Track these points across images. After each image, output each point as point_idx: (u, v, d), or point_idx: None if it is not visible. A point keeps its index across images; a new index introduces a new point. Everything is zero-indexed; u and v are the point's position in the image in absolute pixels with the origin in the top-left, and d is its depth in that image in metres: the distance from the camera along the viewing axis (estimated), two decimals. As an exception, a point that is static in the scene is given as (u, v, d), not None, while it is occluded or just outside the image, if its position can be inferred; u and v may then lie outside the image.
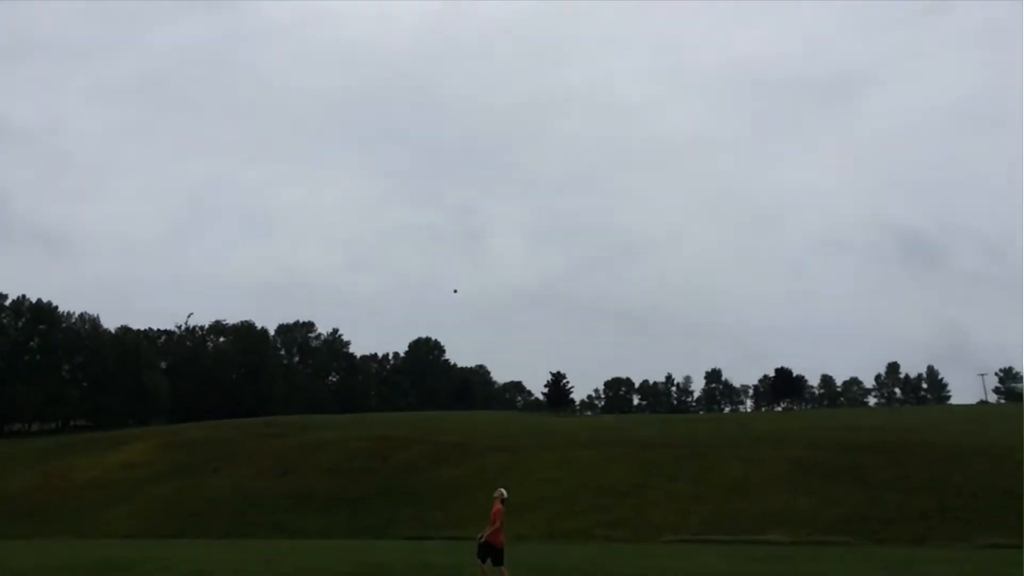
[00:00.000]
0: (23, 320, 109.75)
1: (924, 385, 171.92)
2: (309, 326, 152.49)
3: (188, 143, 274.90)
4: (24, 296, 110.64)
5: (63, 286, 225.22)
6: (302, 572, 19.77)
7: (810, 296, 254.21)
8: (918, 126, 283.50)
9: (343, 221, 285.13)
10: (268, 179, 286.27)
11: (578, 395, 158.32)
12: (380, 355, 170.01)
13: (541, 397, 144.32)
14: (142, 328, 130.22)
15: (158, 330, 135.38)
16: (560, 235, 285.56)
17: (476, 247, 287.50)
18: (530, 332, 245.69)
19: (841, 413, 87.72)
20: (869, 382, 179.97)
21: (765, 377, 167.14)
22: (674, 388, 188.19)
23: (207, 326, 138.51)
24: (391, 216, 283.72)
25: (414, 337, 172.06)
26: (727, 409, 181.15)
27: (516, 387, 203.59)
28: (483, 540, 15.63)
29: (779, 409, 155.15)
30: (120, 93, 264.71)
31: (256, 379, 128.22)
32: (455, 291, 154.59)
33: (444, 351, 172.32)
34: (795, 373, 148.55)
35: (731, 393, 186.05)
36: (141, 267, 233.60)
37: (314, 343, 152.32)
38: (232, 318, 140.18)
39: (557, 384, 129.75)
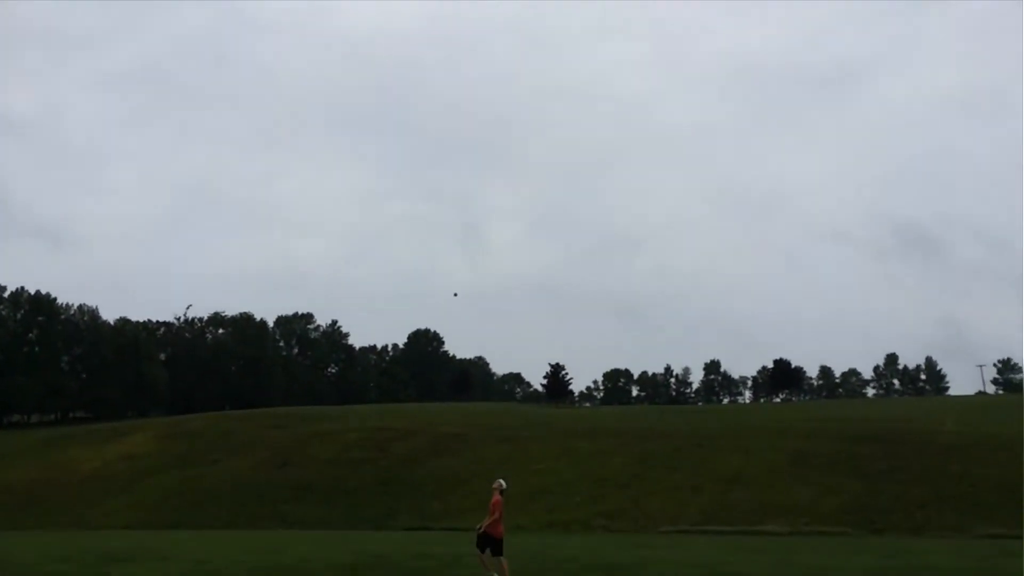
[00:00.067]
0: (22, 312, 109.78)
1: (923, 376, 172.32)
2: (308, 318, 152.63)
3: (187, 134, 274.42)
4: (23, 288, 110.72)
5: (61, 278, 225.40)
6: (302, 563, 19.82)
7: (809, 287, 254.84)
8: (917, 117, 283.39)
9: (342, 213, 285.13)
10: (267, 170, 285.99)
11: (577, 386, 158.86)
12: (379, 347, 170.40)
13: (540, 389, 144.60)
14: (141, 320, 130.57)
15: (157, 322, 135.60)
16: (559, 226, 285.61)
17: (475, 238, 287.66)
18: (529, 324, 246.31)
19: (839, 404, 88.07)
20: (868, 373, 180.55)
21: (764, 368, 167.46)
22: (673, 380, 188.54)
23: (206, 318, 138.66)
24: (390, 207, 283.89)
25: (413, 329, 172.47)
26: (726, 400, 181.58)
27: (515, 379, 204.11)
28: (482, 530, 15.68)
29: (778, 400, 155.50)
30: (119, 84, 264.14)
31: (255, 371, 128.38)
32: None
33: (443, 343, 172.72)
34: (794, 364, 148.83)
35: (730, 384, 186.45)
36: (140, 259, 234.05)
37: (313, 335, 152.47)
38: (231, 310, 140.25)
39: (556, 375, 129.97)
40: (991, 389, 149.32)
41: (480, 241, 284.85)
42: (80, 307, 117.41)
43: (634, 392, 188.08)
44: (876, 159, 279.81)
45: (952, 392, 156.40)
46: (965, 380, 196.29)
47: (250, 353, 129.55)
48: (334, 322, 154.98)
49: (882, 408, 69.55)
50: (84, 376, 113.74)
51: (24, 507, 48.88)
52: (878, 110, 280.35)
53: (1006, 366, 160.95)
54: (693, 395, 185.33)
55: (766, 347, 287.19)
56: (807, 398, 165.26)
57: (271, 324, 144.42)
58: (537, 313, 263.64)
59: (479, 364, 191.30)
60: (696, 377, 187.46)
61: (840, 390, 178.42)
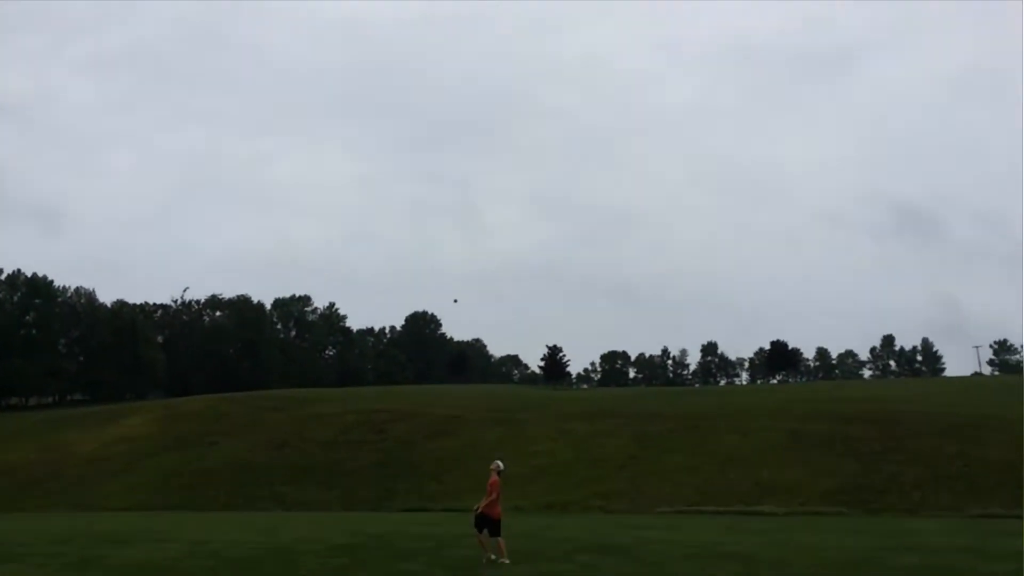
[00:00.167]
0: (19, 294, 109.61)
1: (919, 357, 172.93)
2: (306, 300, 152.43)
3: (183, 116, 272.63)
4: (19, 270, 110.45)
5: (57, 260, 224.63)
6: (300, 543, 19.88)
7: (806, 269, 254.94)
8: (916, 98, 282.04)
9: (339, 195, 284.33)
10: (264, 153, 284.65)
11: (574, 368, 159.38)
12: (377, 329, 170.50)
13: (537, 370, 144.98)
14: (138, 302, 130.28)
15: (154, 304, 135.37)
16: (557, 208, 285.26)
17: (473, 220, 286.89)
18: (527, 306, 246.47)
19: (836, 385, 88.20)
20: (864, 355, 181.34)
21: (761, 350, 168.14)
22: (670, 361, 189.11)
23: (203, 300, 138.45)
24: (387, 190, 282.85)
25: (411, 311, 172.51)
26: (723, 382, 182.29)
27: (513, 360, 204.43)
28: (480, 511, 15.73)
29: (774, 382, 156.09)
30: (114, 65, 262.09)
31: (253, 353, 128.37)
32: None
33: (441, 325, 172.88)
34: (790, 346, 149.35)
35: (727, 366, 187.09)
36: (136, 241, 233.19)
37: (311, 317, 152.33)
38: (228, 292, 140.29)
39: (553, 357, 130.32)
40: (987, 370, 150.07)
41: (478, 223, 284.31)
42: (77, 290, 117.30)
43: (631, 374, 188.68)
44: (874, 140, 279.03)
45: (948, 373, 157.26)
46: (961, 361, 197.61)
47: (248, 336, 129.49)
48: (332, 304, 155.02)
49: (878, 389, 69.73)
50: (82, 359, 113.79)
51: (22, 489, 48.98)
52: (877, 91, 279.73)
53: (1002, 347, 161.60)
54: (690, 377, 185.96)
55: (763, 329, 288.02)
56: (804, 379, 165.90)
57: (269, 306, 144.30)
58: (535, 295, 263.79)
59: (477, 346, 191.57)
60: (693, 359, 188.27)
61: (837, 371, 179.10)
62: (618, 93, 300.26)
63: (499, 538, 15.67)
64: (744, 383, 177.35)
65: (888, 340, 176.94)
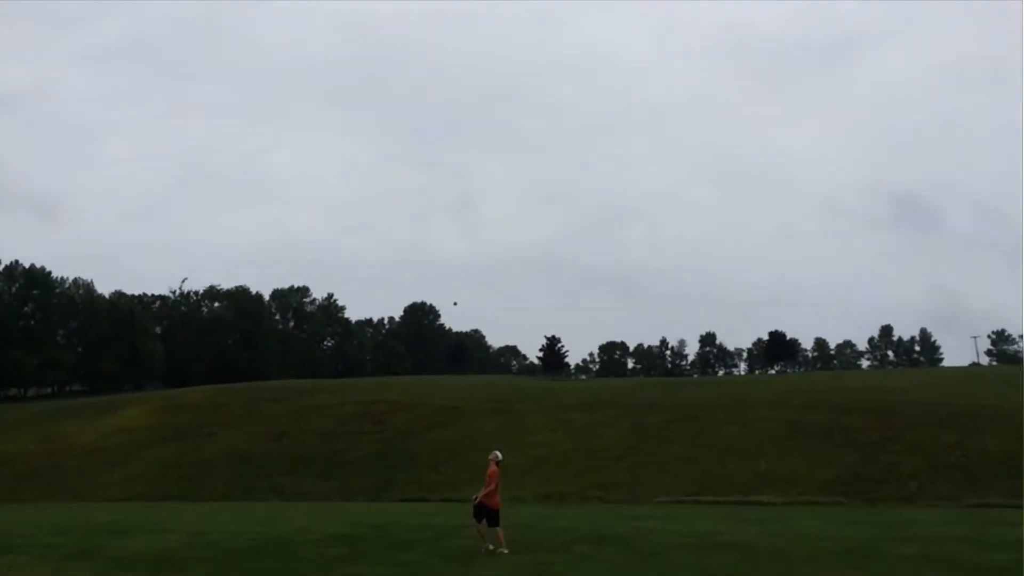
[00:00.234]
0: (17, 285, 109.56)
1: (917, 348, 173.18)
2: (304, 291, 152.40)
3: (181, 107, 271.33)
4: (17, 261, 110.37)
5: (56, 251, 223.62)
6: (299, 533, 19.89)
7: (804, 259, 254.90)
8: (915, 89, 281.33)
9: (337, 186, 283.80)
10: (262, 144, 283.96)
11: (573, 359, 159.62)
12: (375, 320, 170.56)
13: (536, 361, 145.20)
14: (136, 293, 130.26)
15: (152, 295, 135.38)
16: (555, 199, 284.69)
17: (471, 211, 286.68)
18: (525, 296, 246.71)
19: (834, 376, 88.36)
20: (862, 345, 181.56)
21: (759, 340, 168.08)
22: (668, 352, 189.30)
23: (201, 291, 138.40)
24: (386, 181, 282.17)
25: (409, 302, 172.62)
26: (721, 372, 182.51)
27: (511, 351, 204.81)
28: (478, 501, 15.74)
29: (773, 372, 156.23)
30: (113, 57, 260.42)
31: (251, 344, 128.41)
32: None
33: (439, 315, 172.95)
34: (788, 336, 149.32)
35: (725, 356, 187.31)
36: (135, 232, 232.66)
37: (309, 308, 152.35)
38: (227, 283, 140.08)
39: (552, 348, 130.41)
40: (985, 360, 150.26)
41: (476, 214, 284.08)
42: (75, 281, 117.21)
43: (630, 364, 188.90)
44: (873, 131, 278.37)
45: (946, 364, 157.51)
46: (959, 351, 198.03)
47: (246, 326, 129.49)
48: (330, 295, 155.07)
49: (877, 379, 69.85)
50: (80, 350, 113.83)
51: (21, 480, 48.98)
52: (875, 82, 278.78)
53: (1000, 337, 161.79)
54: (688, 367, 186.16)
55: (761, 319, 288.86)
56: (802, 370, 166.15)
57: (267, 297, 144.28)
58: (533, 286, 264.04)
59: (475, 337, 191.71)
60: (691, 349, 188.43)
61: (835, 362, 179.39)
62: (617, 85, 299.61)
63: (498, 528, 15.69)
64: (742, 374, 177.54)
65: (886, 330, 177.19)
